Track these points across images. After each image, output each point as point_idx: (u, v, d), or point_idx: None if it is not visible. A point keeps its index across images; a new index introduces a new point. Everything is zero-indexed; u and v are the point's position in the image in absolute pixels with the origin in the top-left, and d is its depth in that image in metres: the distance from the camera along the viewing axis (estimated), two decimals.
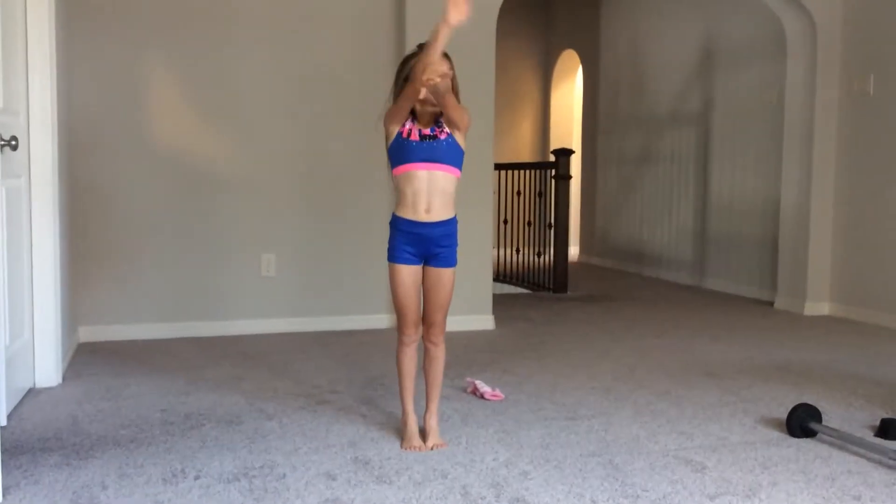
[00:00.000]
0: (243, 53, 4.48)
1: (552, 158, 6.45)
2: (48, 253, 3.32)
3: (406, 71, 2.65)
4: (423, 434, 2.66)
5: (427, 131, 2.64)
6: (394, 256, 2.65)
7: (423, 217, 2.61)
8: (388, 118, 2.66)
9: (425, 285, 2.68)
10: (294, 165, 4.58)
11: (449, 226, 2.67)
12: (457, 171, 2.69)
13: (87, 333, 4.25)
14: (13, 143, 2.79)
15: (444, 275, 2.67)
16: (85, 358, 3.86)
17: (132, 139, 4.33)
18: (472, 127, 4.70)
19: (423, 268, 2.67)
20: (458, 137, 2.68)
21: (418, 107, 2.63)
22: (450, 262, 2.68)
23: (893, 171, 4.99)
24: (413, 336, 2.69)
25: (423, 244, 2.63)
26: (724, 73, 6.61)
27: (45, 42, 3.27)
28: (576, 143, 9.19)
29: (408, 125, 2.64)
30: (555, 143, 9.03)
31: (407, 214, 2.63)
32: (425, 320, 2.70)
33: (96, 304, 4.28)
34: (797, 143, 5.49)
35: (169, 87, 4.40)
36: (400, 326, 2.69)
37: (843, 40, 5.33)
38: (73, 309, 4.03)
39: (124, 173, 4.32)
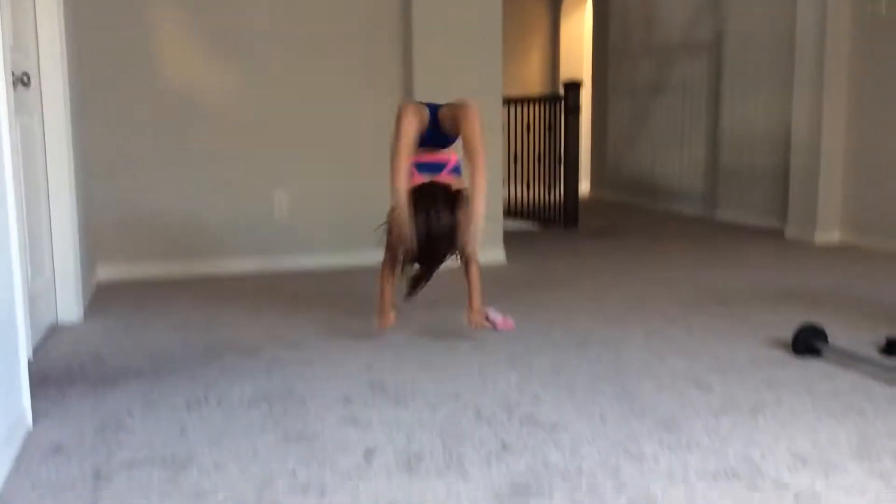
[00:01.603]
0: None
1: (562, 91, 6.41)
2: (64, 191, 3.37)
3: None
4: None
5: (436, 158, 2.94)
6: None
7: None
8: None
9: None
10: (303, 102, 4.58)
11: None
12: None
13: (105, 272, 4.32)
14: (25, 79, 2.82)
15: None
16: (105, 295, 3.95)
17: (143, 78, 4.33)
18: (478, 60, 4.72)
19: None
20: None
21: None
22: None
23: None
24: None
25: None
26: (736, 0, 6.51)
27: None
28: (586, 74, 9.09)
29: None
30: (565, 75, 8.94)
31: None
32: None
33: (114, 244, 4.34)
34: (808, 69, 5.43)
35: (179, 26, 4.38)
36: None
37: None
38: (92, 248, 4.09)
39: (136, 112, 4.34)
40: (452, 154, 2.99)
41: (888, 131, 5.08)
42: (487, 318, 3.32)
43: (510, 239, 5.13)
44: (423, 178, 2.86)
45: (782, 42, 5.88)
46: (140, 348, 3.01)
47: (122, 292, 4.02)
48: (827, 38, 5.27)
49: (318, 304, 3.73)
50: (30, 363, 2.76)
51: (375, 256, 4.71)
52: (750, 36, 6.35)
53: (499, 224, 4.82)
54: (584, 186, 8.84)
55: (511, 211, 6.80)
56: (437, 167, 2.95)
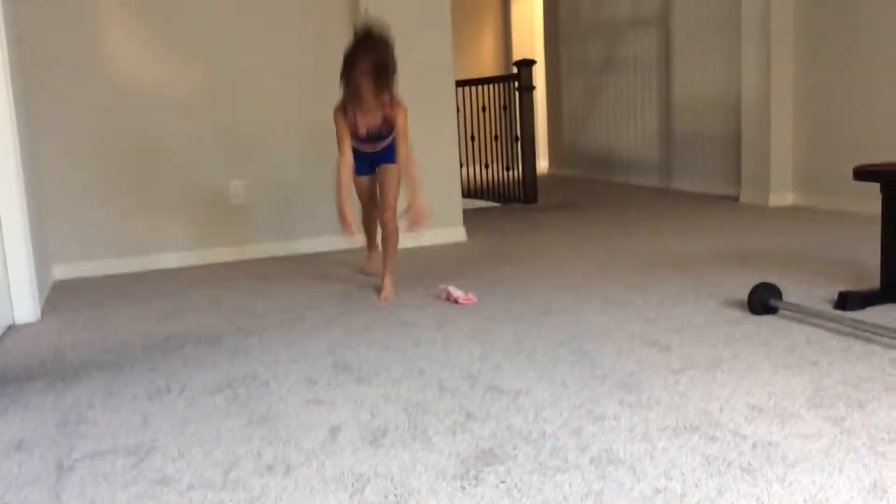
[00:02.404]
0: None
1: (515, 71, 6.43)
2: (13, 190, 3.31)
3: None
4: (379, 289, 3.50)
5: (373, 128, 3.39)
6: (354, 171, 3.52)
7: (370, 151, 3.50)
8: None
9: (378, 180, 3.55)
10: (257, 89, 4.55)
11: (389, 148, 3.46)
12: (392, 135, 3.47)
13: (61, 271, 4.26)
14: None
15: (389, 169, 3.47)
16: (62, 294, 3.90)
17: (91, 74, 4.26)
18: (429, 45, 4.73)
19: (376, 171, 3.56)
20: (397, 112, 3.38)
21: (362, 103, 3.30)
22: (393, 159, 3.45)
23: (850, 58, 5.04)
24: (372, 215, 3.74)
25: (373, 161, 3.53)
26: None
27: None
28: (539, 55, 9.13)
29: (353, 122, 3.37)
30: (517, 56, 8.97)
31: (358, 148, 3.47)
32: (381, 205, 3.53)
33: (69, 242, 4.28)
34: (755, 36, 5.51)
35: (125, 18, 4.32)
36: (361, 208, 3.74)
37: None
38: (46, 247, 4.03)
39: (86, 107, 4.27)
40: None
41: (835, 95, 5.17)
42: (450, 296, 3.34)
43: (470, 217, 5.16)
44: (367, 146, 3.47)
45: (729, 11, 5.95)
46: (99, 342, 2.98)
47: (79, 290, 3.97)
48: (771, 5, 5.35)
49: (278, 291, 3.72)
50: None
51: (334, 244, 4.75)
52: (697, 6, 6.41)
53: (458, 203, 4.84)
54: (543, 164, 8.89)
55: (470, 190, 6.82)
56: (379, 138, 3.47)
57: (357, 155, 3.47)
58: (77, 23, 4.22)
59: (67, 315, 3.47)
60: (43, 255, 3.87)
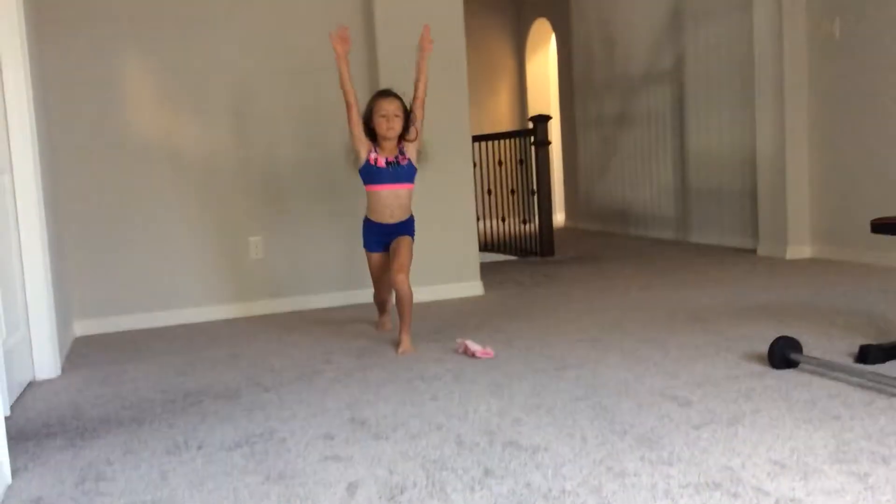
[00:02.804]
0: (221, 39, 4.50)
1: (530, 126, 6.50)
2: (36, 248, 3.37)
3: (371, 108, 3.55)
4: (397, 343, 3.48)
5: (391, 159, 3.52)
6: (367, 246, 3.70)
7: (388, 221, 3.57)
8: (353, 138, 3.53)
9: (392, 247, 3.57)
10: (277, 147, 4.62)
11: (407, 222, 3.61)
12: (412, 184, 3.59)
13: (82, 327, 4.30)
14: None
15: (404, 239, 3.55)
16: (82, 350, 3.92)
17: (112, 130, 4.36)
18: (447, 101, 4.79)
19: (389, 249, 3.60)
20: (412, 153, 3.54)
21: (381, 140, 3.51)
22: (409, 233, 3.58)
23: (863, 111, 5.07)
24: (383, 293, 3.85)
25: (388, 236, 3.59)
26: (694, 27, 6.67)
27: (17, 40, 3.29)
28: (554, 111, 9.24)
29: (373, 155, 3.52)
30: (533, 112, 9.08)
31: (375, 219, 3.59)
32: (392, 267, 3.50)
33: (89, 298, 4.33)
34: (769, 91, 5.56)
35: (145, 77, 4.42)
36: (373, 283, 3.84)
37: None
38: (67, 303, 4.08)
39: (106, 165, 4.36)
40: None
41: (850, 147, 5.19)
42: (467, 349, 3.34)
43: (487, 270, 5.17)
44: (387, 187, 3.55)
45: (741, 66, 6.01)
46: (119, 399, 3.00)
47: (99, 346, 4.00)
48: (784, 60, 5.41)
49: (295, 345, 3.73)
50: (7, 419, 2.74)
51: (351, 299, 4.77)
52: (710, 62, 6.49)
53: (475, 256, 4.86)
54: (560, 218, 8.93)
55: (487, 244, 6.85)
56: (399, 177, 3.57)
57: (372, 228, 3.61)
58: (100, 79, 4.33)
59: (87, 371, 3.49)
60: (64, 312, 3.91)
